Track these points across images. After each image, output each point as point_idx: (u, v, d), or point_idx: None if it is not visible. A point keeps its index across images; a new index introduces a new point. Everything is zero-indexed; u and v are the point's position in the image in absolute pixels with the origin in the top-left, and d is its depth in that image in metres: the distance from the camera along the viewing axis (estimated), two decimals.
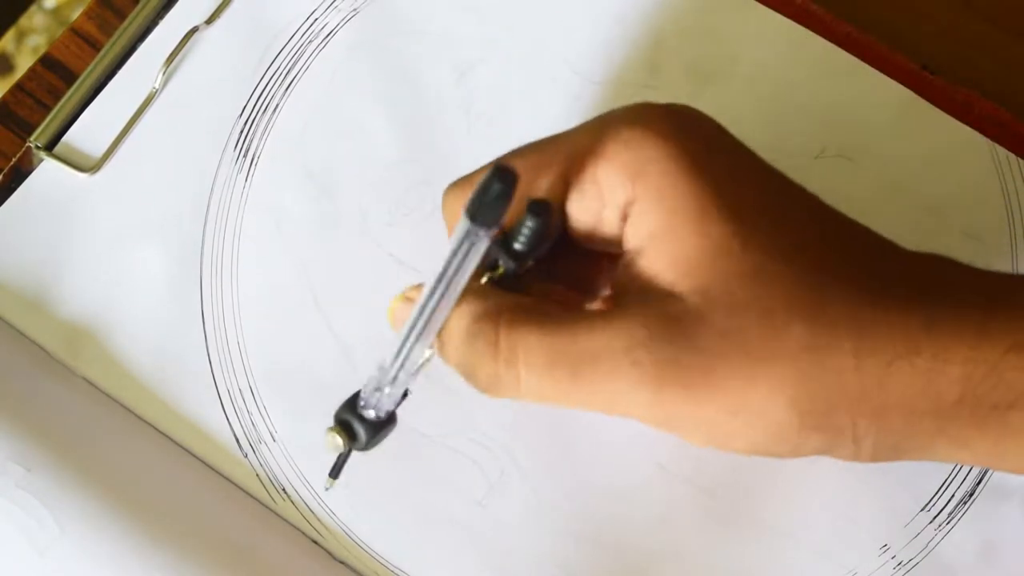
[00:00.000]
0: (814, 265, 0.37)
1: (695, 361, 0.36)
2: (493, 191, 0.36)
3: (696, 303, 0.36)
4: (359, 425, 0.42)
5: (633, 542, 0.51)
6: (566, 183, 0.41)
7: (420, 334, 0.40)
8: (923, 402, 0.37)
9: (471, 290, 0.40)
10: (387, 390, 0.42)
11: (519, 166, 0.37)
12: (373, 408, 0.42)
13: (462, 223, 0.37)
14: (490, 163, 0.41)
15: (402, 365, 0.41)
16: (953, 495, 0.52)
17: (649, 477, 0.52)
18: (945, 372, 0.36)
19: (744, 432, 0.38)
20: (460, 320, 0.40)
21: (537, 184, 0.40)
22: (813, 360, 0.36)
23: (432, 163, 0.56)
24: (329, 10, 0.58)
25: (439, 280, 0.39)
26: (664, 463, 0.52)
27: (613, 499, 0.52)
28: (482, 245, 0.37)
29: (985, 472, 0.52)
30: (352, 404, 0.42)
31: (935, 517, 0.52)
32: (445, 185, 0.55)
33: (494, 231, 0.37)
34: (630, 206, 0.39)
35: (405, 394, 0.43)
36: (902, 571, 0.51)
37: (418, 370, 0.42)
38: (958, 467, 0.52)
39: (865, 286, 0.37)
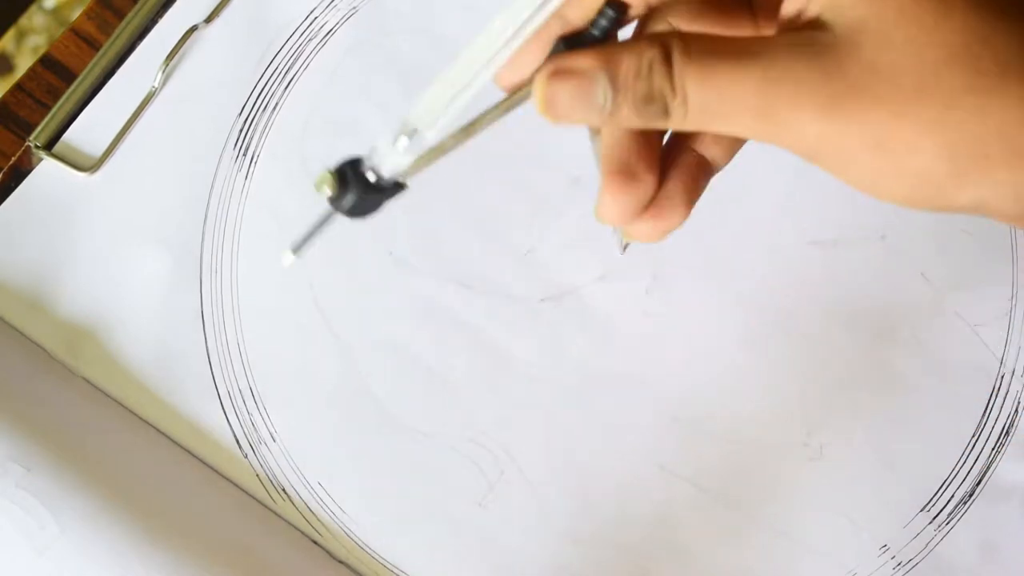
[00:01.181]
0: (982, 10, 0.33)
1: (838, 89, 0.33)
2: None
3: (848, 35, 0.34)
4: (354, 180, 0.37)
5: (633, 542, 0.51)
6: None
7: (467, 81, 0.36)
8: None
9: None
10: (402, 144, 0.37)
11: None
12: (372, 168, 0.37)
13: None
14: None
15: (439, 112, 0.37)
16: (953, 495, 0.52)
17: (649, 477, 0.52)
18: None
19: (891, 174, 0.34)
20: (629, 73, 0.34)
21: None
22: (974, 104, 0.33)
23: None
24: (328, 9, 0.57)
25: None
26: (664, 463, 0.52)
27: (613, 499, 0.52)
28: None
29: (985, 473, 0.52)
30: (355, 163, 0.38)
31: (935, 517, 0.52)
32: (445, 184, 0.55)
33: None
34: None
35: (403, 186, 0.38)
36: (902, 571, 0.51)
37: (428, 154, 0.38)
38: (958, 468, 0.52)
39: None
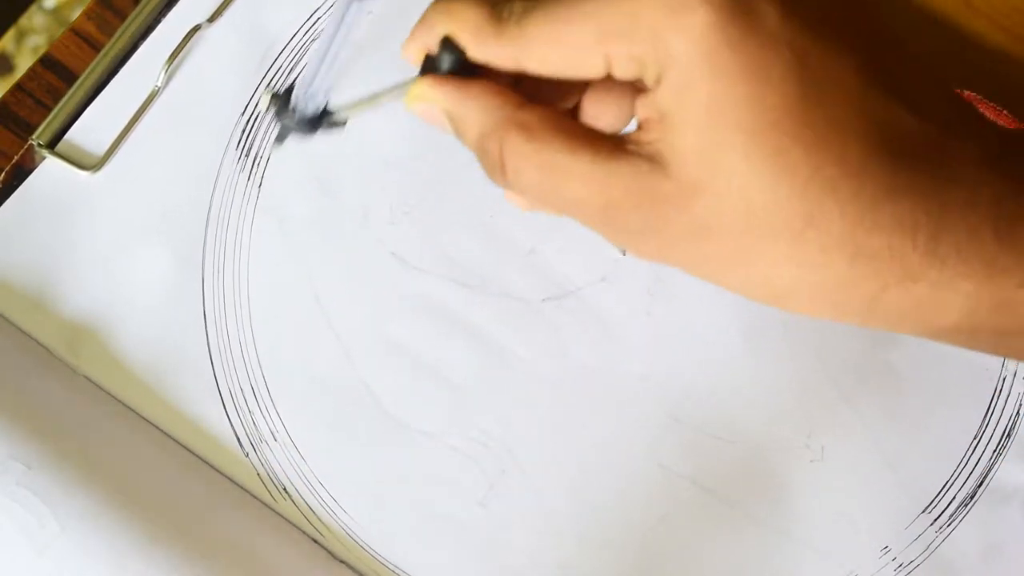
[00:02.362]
0: (825, 187, 0.33)
1: (668, 239, 0.35)
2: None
3: (685, 188, 0.34)
4: (286, 108, 0.42)
5: (633, 541, 0.51)
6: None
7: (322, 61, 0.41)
8: (913, 325, 0.35)
9: (481, 93, 0.38)
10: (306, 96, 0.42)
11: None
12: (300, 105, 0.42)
13: None
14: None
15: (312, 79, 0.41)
16: (954, 497, 0.52)
17: (650, 477, 0.52)
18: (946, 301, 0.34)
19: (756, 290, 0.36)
20: (471, 130, 0.38)
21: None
22: (797, 270, 0.34)
23: (434, 162, 0.56)
24: (331, 9, 0.57)
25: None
26: (665, 463, 0.52)
27: (614, 499, 0.52)
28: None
29: (987, 475, 0.52)
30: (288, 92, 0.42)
31: (936, 519, 0.52)
32: (448, 184, 0.55)
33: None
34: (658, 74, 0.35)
35: (331, 117, 0.43)
36: (903, 573, 0.51)
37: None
38: (960, 469, 0.52)
39: (879, 213, 0.34)
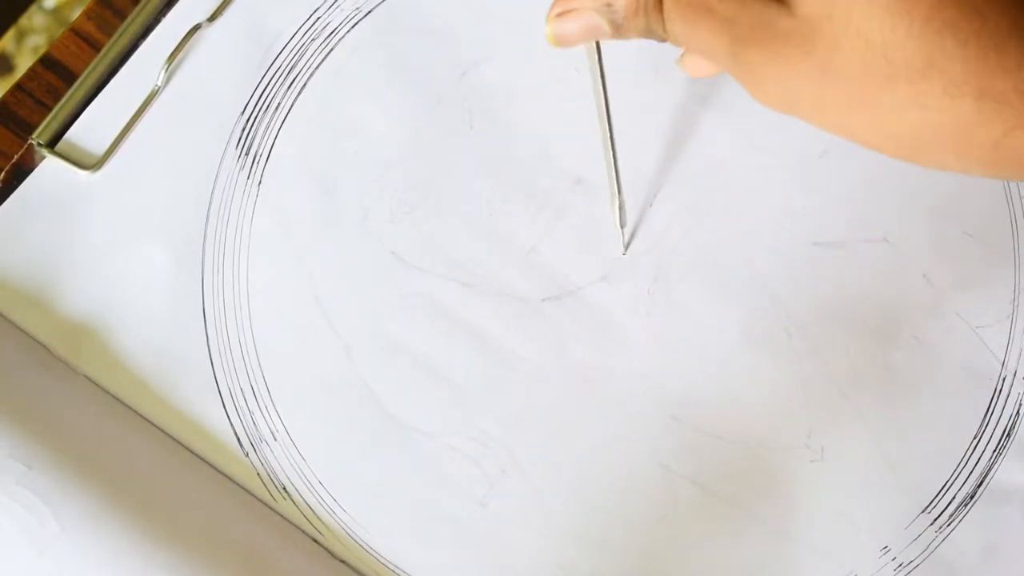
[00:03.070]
0: (946, 26, 0.33)
1: (788, 77, 0.36)
2: None
3: (806, 28, 0.34)
4: None
5: (633, 541, 0.51)
6: None
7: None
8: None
9: None
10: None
11: None
12: None
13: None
14: None
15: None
16: (954, 497, 0.52)
17: (650, 477, 0.52)
18: None
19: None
20: (629, 7, 0.39)
21: None
22: (922, 111, 0.34)
23: (434, 162, 0.56)
24: (332, 8, 0.58)
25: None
26: (665, 463, 0.52)
27: (614, 498, 0.52)
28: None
29: (986, 475, 0.52)
30: None
31: (936, 519, 0.52)
32: (448, 183, 0.55)
33: None
34: None
35: None
36: (903, 572, 0.51)
37: None
38: (959, 469, 0.52)
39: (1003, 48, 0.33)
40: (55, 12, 1.28)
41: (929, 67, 0.32)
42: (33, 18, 1.27)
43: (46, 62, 0.57)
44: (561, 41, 0.42)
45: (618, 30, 0.40)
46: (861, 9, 0.33)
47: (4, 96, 0.57)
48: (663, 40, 0.39)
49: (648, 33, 0.39)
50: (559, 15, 0.41)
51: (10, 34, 1.27)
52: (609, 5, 0.40)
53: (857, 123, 0.35)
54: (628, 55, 0.55)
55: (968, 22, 0.32)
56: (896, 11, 0.32)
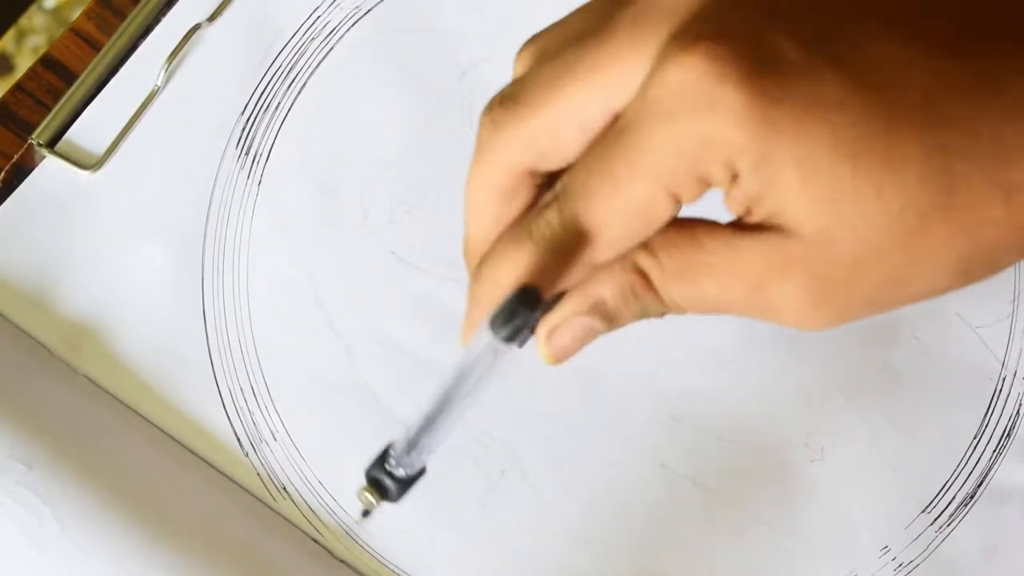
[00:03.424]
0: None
1: (818, 287, 0.33)
2: (511, 311, 0.34)
3: (817, 239, 0.34)
4: (390, 482, 0.41)
5: (634, 542, 0.51)
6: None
7: (439, 419, 0.40)
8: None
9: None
10: (414, 454, 0.41)
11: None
12: (403, 467, 0.41)
13: (482, 335, 0.35)
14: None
15: (427, 437, 0.40)
16: (954, 497, 0.52)
17: (650, 477, 0.52)
18: None
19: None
20: (612, 286, 0.36)
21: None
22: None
23: (434, 161, 0.56)
24: (331, 8, 0.58)
25: (455, 383, 0.38)
26: (665, 463, 0.52)
27: (614, 499, 0.52)
28: (504, 358, 0.36)
29: (986, 475, 0.52)
30: (382, 460, 0.41)
31: (936, 519, 0.52)
32: (448, 183, 0.55)
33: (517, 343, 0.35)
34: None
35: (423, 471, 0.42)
36: (903, 572, 0.51)
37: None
38: (959, 469, 0.52)
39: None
40: (55, 12, 1.29)
41: (952, 191, 0.32)
42: (33, 18, 1.27)
43: (46, 62, 0.57)
44: (561, 357, 0.38)
45: (613, 321, 0.36)
46: (861, 194, 0.31)
47: (4, 96, 0.57)
48: (663, 315, 0.36)
49: (645, 314, 0.36)
50: (549, 334, 0.37)
51: (10, 34, 1.27)
52: (594, 305, 0.36)
53: (915, 289, 0.33)
54: None
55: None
56: (890, 172, 0.32)
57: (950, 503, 0.52)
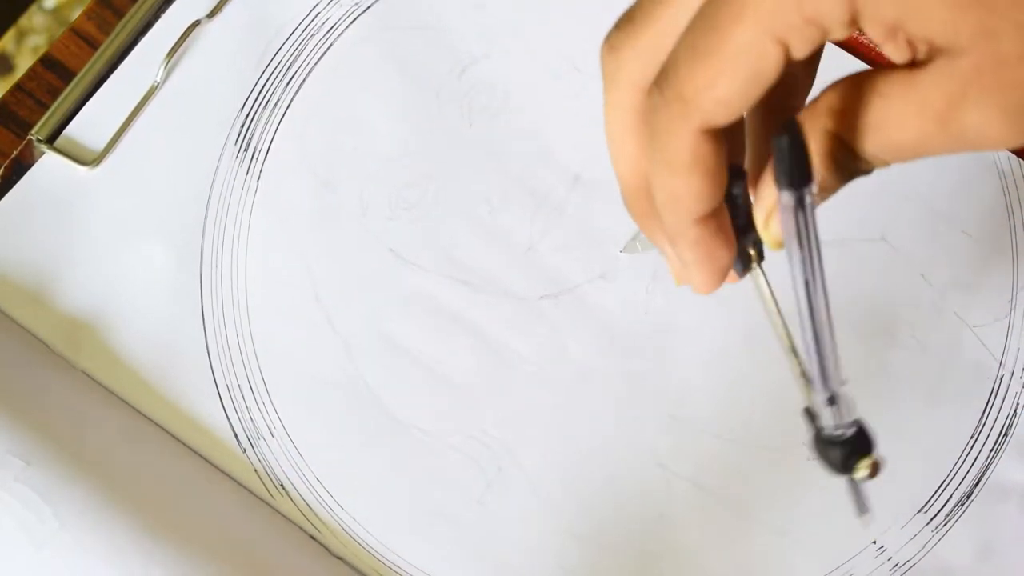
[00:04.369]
0: None
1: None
2: (791, 150, 0.32)
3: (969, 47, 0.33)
4: (838, 449, 0.37)
5: (632, 540, 0.51)
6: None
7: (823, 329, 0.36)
8: None
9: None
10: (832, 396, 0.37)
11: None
12: (838, 421, 0.37)
13: (785, 199, 0.32)
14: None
15: (825, 365, 0.36)
16: (951, 496, 0.52)
17: (648, 475, 0.52)
18: None
19: None
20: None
21: None
22: None
23: (433, 158, 0.56)
24: (331, 5, 0.58)
25: (807, 271, 0.34)
26: (664, 462, 0.52)
27: (612, 497, 0.52)
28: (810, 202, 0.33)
29: (983, 474, 0.52)
30: (823, 440, 0.37)
31: (933, 518, 0.52)
32: (446, 180, 0.55)
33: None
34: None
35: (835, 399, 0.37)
36: (899, 572, 0.51)
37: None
38: (956, 469, 0.52)
39: None
40: (55, 12, 1.29)
41: None
42: (33, 18, 1.28)
43: (46, 62, 0.57)
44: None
45: (826, 191, 0.35)
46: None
47: (4, 96, 0.57)
48: (869, 172, 0.35)
49: (852, 175, 0.35)
50: (767, 219, 0.35)
51: (10, 34, 1.27)
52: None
53: None
54: None
55: None
56: None
57: (947, 502, 0.52)
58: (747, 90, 0.32)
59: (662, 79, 0.33)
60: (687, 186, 0.34)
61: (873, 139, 0.33)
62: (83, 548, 0.48)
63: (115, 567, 0.47)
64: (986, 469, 0.52)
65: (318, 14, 0.57)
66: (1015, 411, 0.53)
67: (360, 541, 0.51)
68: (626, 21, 0.36)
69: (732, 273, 0.38)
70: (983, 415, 0.53)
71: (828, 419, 0.36)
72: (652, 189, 0.36)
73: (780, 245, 0.35)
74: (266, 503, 0.51)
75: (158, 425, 0.52)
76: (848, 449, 0.36)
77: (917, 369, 0.53)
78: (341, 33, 0.57)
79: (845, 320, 0.54)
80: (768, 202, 0.35)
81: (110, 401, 0.52)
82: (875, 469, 0.37)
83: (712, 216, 0.35)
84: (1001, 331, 0.54)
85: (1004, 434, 0.53)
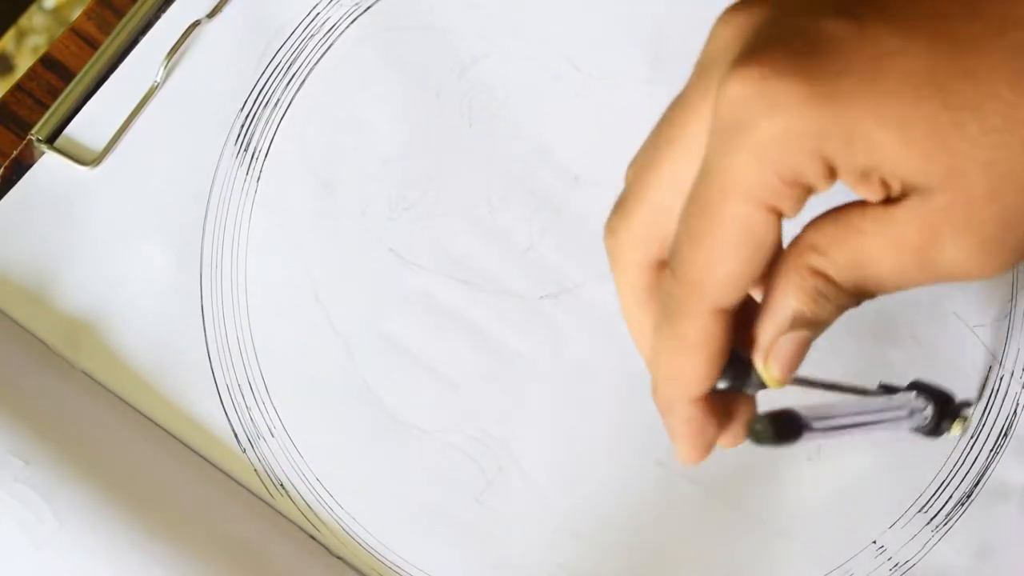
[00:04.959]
0: None
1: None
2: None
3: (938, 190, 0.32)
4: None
5: (631, 539, 0.51)
6: None
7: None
8: None
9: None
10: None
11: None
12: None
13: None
14: None
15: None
16: (951, 497, 0.52)
17: (648, 474, 0.52)
18: None
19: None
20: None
21: None
22: None
23: (433, 158, 0.56)
24: (331, 5, 0.58)
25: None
26: (663, 460, 0.52)
27: (611, 496, 0.52)
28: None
29: (983, 474, 0.52)
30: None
31: (932, 518, 0.52)
32: (446, 180, 0.55)
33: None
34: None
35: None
36: (899, 572, 0.51)
37: None
38: (956, 469, 0.52)
39: None
40: (55, 12, 1.29)
41: None
42: (33, 18, 1.28)
43: (46, 62, 0.57)
44: (785, 376, 0.37)
45: (817, 326, 0.36)
46: None
47: (4, 96, 0.57)
48: (858, 303, 0.36)
49: (841, 308, 0.36)
50: (766, 359, 0.37)
51: (10, 34, 1.27)
52: (793, 320, 0.36)
53: None
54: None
55: None
56: None
57: (947, 502, 0.52)
58: (751, 261, 0.34)
59: (671, 261, 0.35)
60: (691, 366, 0.36)
61: (855, 274, 0.34)
62: (83, 547, 0.48)
63: (114, 566, 0.47)
64: (986, 469, 0.52)
65: (318, 14, 0.57)
66: (1015, 411, 0.53)
67: (360, 541, 0.51)
68: (619, 206, 0.37)
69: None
70: (983, 415, 0.53)
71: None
72: (650, 367, 0.38)
73: (781, 383, 0.37)
74: (266, 503, 0.51)
75: (158, 425, 0.52)
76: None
77: (917, 368, 0.53)
78: (341, 33, 0.57)
79: (845, 319, 0.54)
80: (765, 341, 0.36)
81: (110, 401, 0.52)
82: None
83: (707, 397, 0.37)
84: (1001, 331, 0.54)
85: (1004, 434, 0.53)
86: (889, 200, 0.33)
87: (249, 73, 0.57)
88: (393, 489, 0.52)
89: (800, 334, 0.36)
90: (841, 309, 0.36)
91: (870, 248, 0.34)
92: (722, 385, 0.37)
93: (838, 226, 0.34)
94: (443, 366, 0.53)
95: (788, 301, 0.35)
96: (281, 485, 0.52)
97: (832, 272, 0.34)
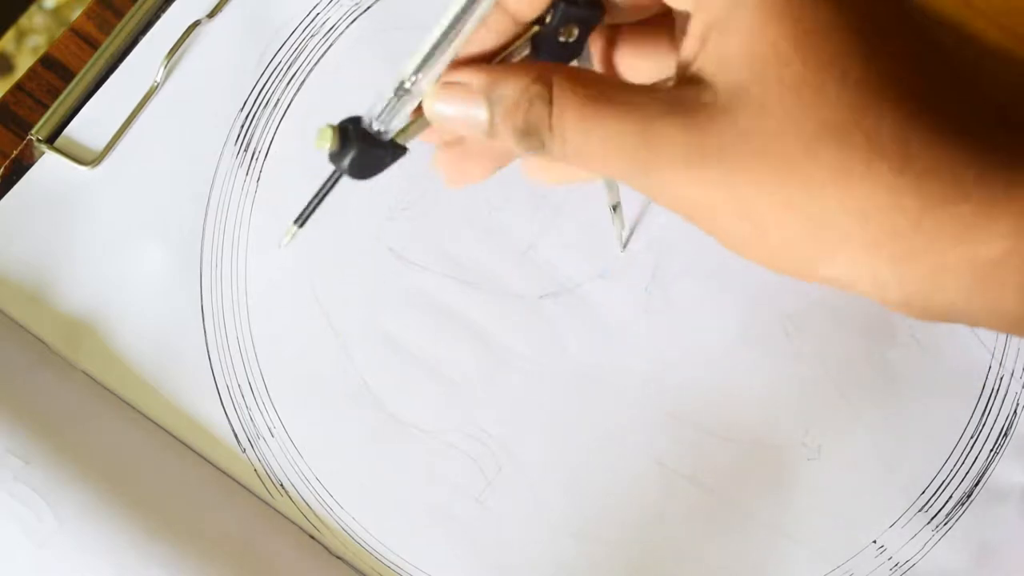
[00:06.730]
0: (860, 87, 0.32)
1: (708, 153, 0.32)
2: None
3: (727, 98, 0.32)
4: (355, 134, 0.38)
5: (630, 539, 0.51)
6: None
7: (445, 40, 0.35)
8: (956, 255, 0.31)
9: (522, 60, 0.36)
10: (397, 104, 0.37)
11: None
12: (379, 121, 0.38)
13: None
14: None
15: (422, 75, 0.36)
16: (951, 496, 0.52)
17: (647, 474, 0.52)
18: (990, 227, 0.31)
19: (756, 242, 0.33)
20: (517, 81, 0.34)
21: None
22: (839, 185, 0.31)
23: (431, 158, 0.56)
24: (331, 5, 0.58)
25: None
26: (663, 460, 0.52)
27: (611, 496, 0.52)
28: None
29: (984, 473, 0.52)
30: (356, 120, 0.38)
31: (932, 518, 0.52)
32: (446, 180, 0.55)
33: None
34: None
35: (403, 149, 0.39)
36: (899, 572, 0.51)
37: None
38: (956, 468, 0.52)
39: (932, 122, 0.31)
40: (55, 12, 1.29)
41: (856, 128, 0.31)
42: (33, 18, 1.27)
43: (46, 62, 0.57)
44: (437, 120, 0.37)
45: (492, 120, 0.35)
46: (792, 70, 0.31)
47: (4, 96, 0.57)
48: (540, 149, 0.35)
49: (526, 133, 0.35)
50: (444, 86, 0.36)
51: (10, 34, 1.27)
52: (490, 84, 0.35)
53: (775, 200, 0.32)
54: None
55: (896, 86, 0.31)
56: (827, 75, 0.31)
57: (947, 502, 0.52)
58: None
59: None
60: None
61: (576, 120, 0.34)
62: (82, 547, 0.48)
63: (114, 566, 0.47)
64: (986, 469, 0.52)
65: (318, 14, 0.57)
66: (1015, 411, 0.53)
67: (360, 541, 0.51)
68: None
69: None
70: (983, 415, 0.53)
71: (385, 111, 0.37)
72: None
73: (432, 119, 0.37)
74: (266, 503, 0.52)
75: (158, 425, 0.52)
76: (366, 143, 0.38)
77: (917, 369, 0.53)
78: (341, 33, 0.57)
79: (845, 319, 0.54)
80: (447, 75, 0.36)
81: (109, 401, 0.52)
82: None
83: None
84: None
85: (1004, 434, 0.53)
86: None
87: (249, 73, 0.57)
88: (393, 489, 0.52)
89: (473, 106, 0.35)
90: (526, 136, 0.35)
91: (614, 104, 0.33)
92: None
93: (605, 77, 0.35)
94: (443, 366, 0.53)
95: (507, 80, 0.34)
96: (281, 485, 0.52)
97: (557, 95, 0.34)
